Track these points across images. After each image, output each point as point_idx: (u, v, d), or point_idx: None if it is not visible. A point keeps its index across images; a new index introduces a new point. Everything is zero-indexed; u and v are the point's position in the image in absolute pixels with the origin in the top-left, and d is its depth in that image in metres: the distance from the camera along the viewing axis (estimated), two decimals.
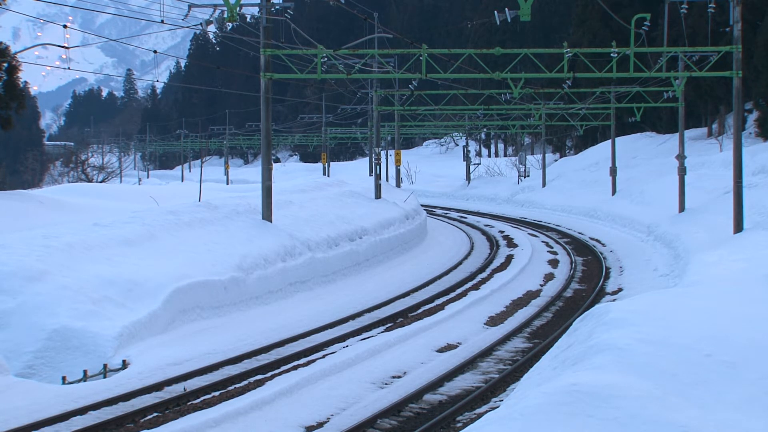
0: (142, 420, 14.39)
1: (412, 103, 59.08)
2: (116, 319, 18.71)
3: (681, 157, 38.09)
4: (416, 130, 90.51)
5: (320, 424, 14.01)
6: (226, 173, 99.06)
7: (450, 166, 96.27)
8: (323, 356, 18.37)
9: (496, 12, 27.47)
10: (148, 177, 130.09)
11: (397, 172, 56.99)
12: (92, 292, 19.29)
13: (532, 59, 33.42)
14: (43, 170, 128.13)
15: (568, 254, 35.09)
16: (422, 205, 46.67)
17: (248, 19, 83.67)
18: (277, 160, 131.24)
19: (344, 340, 20.12)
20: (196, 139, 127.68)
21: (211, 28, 28.31)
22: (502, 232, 44.72)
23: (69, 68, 38.48)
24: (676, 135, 44.70)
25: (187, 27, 27.85)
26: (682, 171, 38.14)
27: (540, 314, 22.89)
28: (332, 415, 14.47)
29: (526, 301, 25.00)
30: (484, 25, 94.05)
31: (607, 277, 29.13)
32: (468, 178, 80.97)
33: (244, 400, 14.92)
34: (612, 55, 29.55)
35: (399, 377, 16.78)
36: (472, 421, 13.58)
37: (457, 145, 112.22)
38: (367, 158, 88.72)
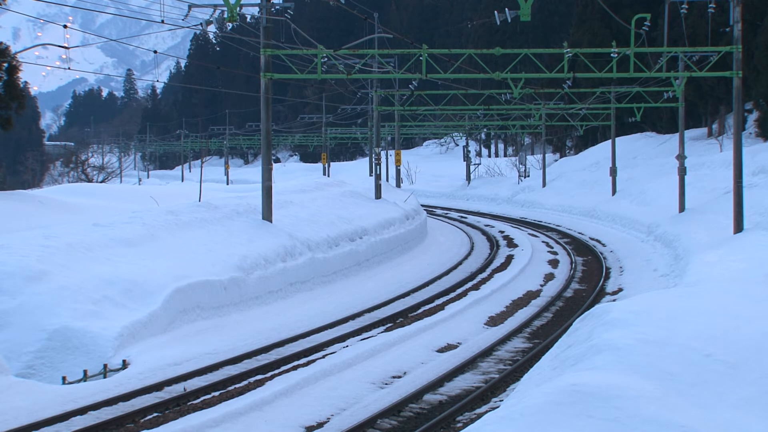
0: (142, 420, 14.39)
1: (412, 103, 59.09)
2: (116, 319, 18.71)
3: (681, 157, 38.09)
4: (416, 130, 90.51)
5: (320, 424, 14.00)
6: (226, 173, 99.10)
7: (450, 166, 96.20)
8: (323, 356, 18.36)
9: (496, 12, 27.47)
10: (148, 177, 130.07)
11: (397, 172, 56.97)
12: (92, 292, 19.29)
13: (532, 59, 33.42)
14: (43, 170, 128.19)
15: (568, 254, 35.08)
16: (422, 205, 46.67)
17: (248, 19, 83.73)
18: (277, 161, 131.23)
19: (344, 340, 20.11)
20: (196, 139, 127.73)
21: (211, 28, 28.30)
22: (502, 232, 44.72)
23: (69, 68, 38.56)
24: (676, 135, 44.70)
25: (187, 27, 27.84)
26: (682, 171, 38.14)
27: (540, 314, 22.89)
28: (332, 415, 14.47)
29: (526, 301, 24.99)
30: (484, 25, 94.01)
31: (607, 277, 29.13)
32: (468, 179, 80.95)
33: (244, 400, 14.92)
34: (612, 55, 29.55)
35: (399, 377, 16.77)
36: (472, 421, 13.57)
37: (457, 145, 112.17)
38: (367, 158, 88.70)
